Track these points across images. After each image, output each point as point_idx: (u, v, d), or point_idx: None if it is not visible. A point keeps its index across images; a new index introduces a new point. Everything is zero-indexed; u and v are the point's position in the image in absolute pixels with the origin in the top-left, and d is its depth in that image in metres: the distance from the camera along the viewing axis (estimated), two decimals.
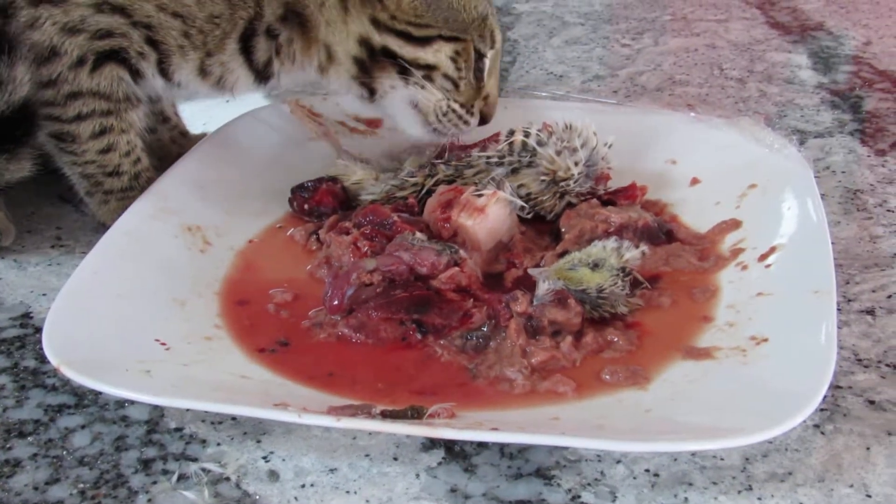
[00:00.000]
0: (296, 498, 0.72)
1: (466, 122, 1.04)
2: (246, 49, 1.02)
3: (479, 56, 1.02)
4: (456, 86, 1.01)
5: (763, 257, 0.93)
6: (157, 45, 1.00)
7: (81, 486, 0.74)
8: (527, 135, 1.04)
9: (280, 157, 1.16)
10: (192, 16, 1.00)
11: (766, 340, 0.82)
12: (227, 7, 1.00)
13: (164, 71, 1.02)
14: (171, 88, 1.05)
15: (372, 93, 1.03)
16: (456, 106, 1.02)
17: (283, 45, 1.02)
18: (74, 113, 1.00)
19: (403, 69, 1.00)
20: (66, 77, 0.98)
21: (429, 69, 1.00)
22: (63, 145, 1.03)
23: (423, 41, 0.99)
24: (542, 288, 0.88)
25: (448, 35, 1.00)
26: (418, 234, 0.95)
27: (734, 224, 1.00)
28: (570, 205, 1.03)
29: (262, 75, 1.04)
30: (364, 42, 1.00)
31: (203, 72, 1.03)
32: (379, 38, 0.99)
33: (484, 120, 1.05)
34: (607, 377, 0.82)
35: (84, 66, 0.99)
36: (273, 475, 0.75)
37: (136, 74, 1.02)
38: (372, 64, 1.01)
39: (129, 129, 1.04)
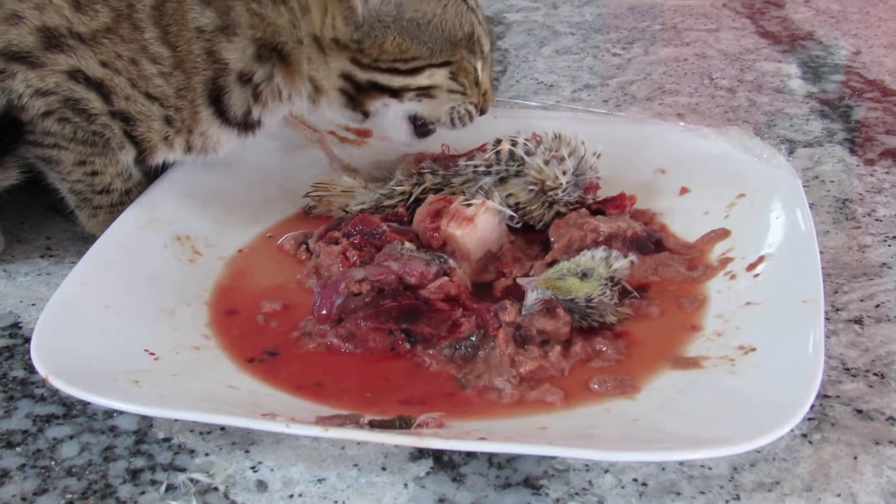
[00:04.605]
0: None
1: (473, 118, 1.04)
2: (219, 110, 0.99)
3: (472, 68, 1.01)
4: (464, 94, 1.01)
5: (751, 267, 0.93)
6: (138, 141, 1.00)
7: (69, 496, 0.74)
8: (514, 144, 1.04)
9: (269, 166, 1.16)
10: (165, 96, 0.97)
11: (753, 350, 0.82)
12: (184, 76, 0.96)
13: (142, 160, 1.02)
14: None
15: (366, 115, 1.01)
16: (471, 108, 1.03)
17: (262, 84, 0.98)
18: (52, 142, 0.99)
19: (396, 92, 0.99)
20: (37, 122, 0.97)
21: (427, 89, 0.99)
22: (49, 166, 1.02)
23: (413, 72, 0.98)
24: (531, 297, 0.88)
25: (438, 62, 0.98)
26: (407, 244, 0.95)
27: (723, 233, 1.00)
28: (559, 214, 1.03)
29: (244, 127, 1.01)
30: (348, 77, 0.97)
31: (189, 148, 1.01)
32: (364, 75, 0.97)
33: (482, 111, 1.05)
34: (595, 387, 0.82)
35: (51, 115, 0.97)
36: (261, 485, 0.75)
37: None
38: (360, 94, 0.99)
39: (116, 163, 1.02)
